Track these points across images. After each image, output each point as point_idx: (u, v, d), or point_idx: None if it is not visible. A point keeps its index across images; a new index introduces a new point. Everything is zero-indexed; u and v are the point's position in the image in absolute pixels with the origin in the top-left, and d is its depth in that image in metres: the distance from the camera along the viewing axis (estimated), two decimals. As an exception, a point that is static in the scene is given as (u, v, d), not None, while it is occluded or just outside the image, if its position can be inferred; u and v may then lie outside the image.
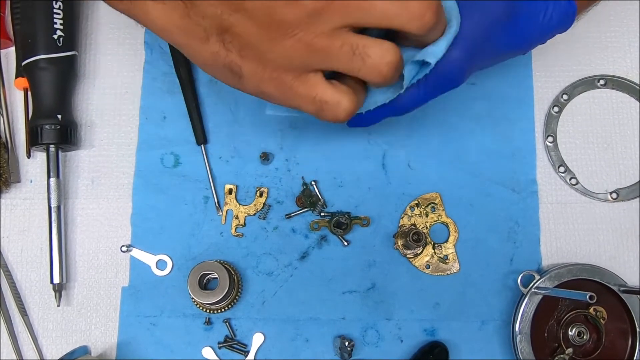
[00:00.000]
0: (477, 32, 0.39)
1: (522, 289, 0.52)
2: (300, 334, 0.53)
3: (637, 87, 0.58)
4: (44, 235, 0.54)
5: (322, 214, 0.55)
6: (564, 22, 0.42)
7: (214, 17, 0.35)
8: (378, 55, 0.35)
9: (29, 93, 0.55)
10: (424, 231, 0.54)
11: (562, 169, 0.56)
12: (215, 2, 0.34)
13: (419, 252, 0.54)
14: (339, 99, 0.37)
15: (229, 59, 0.37)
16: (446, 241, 0.55)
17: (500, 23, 0.40)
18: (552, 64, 0.58)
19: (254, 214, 0.55)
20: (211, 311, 0.53)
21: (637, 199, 0.56)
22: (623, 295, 0.51)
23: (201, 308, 0.52)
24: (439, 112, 0.56)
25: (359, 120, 0.43)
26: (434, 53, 0.38)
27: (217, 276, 0.51)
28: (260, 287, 0.54)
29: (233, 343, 0.53)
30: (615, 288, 0.51)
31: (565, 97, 0.57)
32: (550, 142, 0.57)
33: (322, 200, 0.55)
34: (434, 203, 0.55)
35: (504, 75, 0.57)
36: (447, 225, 0.55)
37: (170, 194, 0.55)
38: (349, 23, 0.34)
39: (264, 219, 0.55)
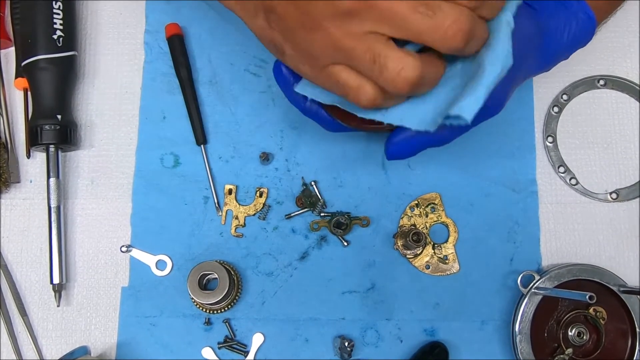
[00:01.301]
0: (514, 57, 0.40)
1: (522, 289, 0.52)
2: (300, 334, 0.53)
3: (637, 87, 0.57)
4: (44, 235, 0.54)
5: (322, 214, 0.55)
6: (586, 37, 0.45)
7: None
8: (395, 70, 0.35)
9: (29, 93, 0.55)
10: (423, 231, 0.54)
11: (562, 169, 0.56)
12: None
13: (418, 252, 0.54)
14: (359, 84, 0.37)
15: (273, 36, 0.39)
16: (446, 241, 0.55)
17: (531, 45, 0.41)
18: (552, 64, 0.58)
19: (254, 214, 0.55)
20: (211, 311, 0.53)
21: (637, 199, 0.56)
22: (623, 296, 0.51)
23: (201, 308, 0.52)
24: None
25: (399, 152, 0.43)
26: (467, 108, 0.36)
27: (217, 276, 0.51)
28: (260, 287, 0.54)
29: (233, 343, 0.53)
30: (615, 288, 0.51)
31: (565, 97, 0.57)
32: (550, 142, 0.57)
33: (322, 200, 0.55)
34: (433, 203, 0.55)
35: (504, 75, 0.57)
36: (447, 226, 0.55)
37: (170, 194, 0.55)
38: (380, 31, 0.34)
39: (263, 219, 0.55)
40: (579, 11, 0.44)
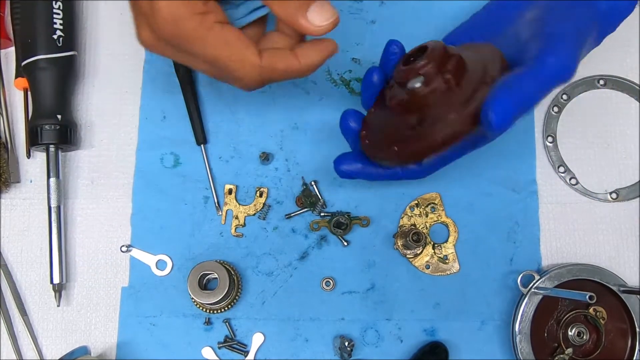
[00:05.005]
0: (579, 32, 0.42)
1: (522, 289, 0.52)
2: (300, 334, 0.53)
3: (637, 87, 0.57)
4: (44, 235, 0.54)
5: (322, 214, 0.55)
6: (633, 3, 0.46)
7: None
8: None
9: (29, 93, 0.55)
10: (423, 231, 0.54)
11: (562, 169, 0.56)
12: None
13: (418, 252, 0.54)
14: None
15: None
16: (446, 241, 0.55)
17: (592, 22, 0.43)
18: (552, 64, 0.58)
19: (254, 214, 0.55)
20: (211, 311, 0.53)
21: (637, 199, 0.56)
22: (623, 295, 0.51)
23: (201, 308, 0.52)
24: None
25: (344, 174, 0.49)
26: None
27: (217, 276, 0.51)
28: (260, 287, 0.54)
29: (233, 343, 0.53)
30: (615, 288, 0.51)
31: (565, 97, 0.57)
32: (550, 142, 0.57)
33: (322, 200, 0.55)
34: (433, 203, 0.55)
35: (504, 75, 0.57)
36: (447, 225, 0.55)
37: (170, 194, 0.55)
38: None
39: (263, 219, 0.55)
40: None
